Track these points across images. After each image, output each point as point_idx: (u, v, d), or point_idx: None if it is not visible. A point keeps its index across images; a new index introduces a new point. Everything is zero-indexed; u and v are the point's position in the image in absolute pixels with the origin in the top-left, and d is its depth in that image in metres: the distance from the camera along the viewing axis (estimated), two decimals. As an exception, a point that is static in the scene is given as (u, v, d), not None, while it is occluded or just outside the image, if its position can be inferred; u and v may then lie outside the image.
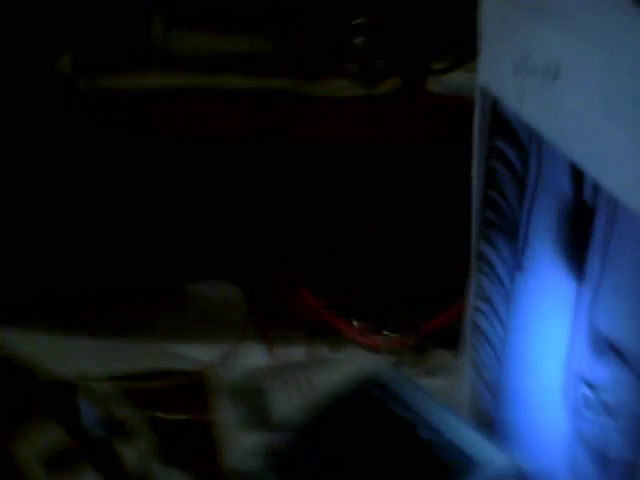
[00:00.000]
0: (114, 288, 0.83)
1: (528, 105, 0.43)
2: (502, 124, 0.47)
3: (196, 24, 0.64)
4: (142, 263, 0.83)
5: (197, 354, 0.77)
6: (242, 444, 0.62)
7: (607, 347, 0.40)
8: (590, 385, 0.42)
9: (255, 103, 0.64)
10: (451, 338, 0.73)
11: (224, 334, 0.80)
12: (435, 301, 0.77)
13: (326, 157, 0.72)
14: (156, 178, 0.79)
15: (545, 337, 0.46)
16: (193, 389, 0.72)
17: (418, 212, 0.78)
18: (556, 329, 0.45)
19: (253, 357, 0.79)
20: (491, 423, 0.54)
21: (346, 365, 0.70)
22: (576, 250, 0.41)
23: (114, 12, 0.63)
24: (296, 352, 0.80)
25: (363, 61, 0.63)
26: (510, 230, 0.48)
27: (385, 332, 0.74)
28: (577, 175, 0.40)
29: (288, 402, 0.67)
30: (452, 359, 0.70)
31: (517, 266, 0.48)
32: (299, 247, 0.82)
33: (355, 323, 0.79)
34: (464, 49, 0.64)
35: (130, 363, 0.75)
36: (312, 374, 0.71)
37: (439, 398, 0.63)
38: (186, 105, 0.63)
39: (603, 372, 0.40)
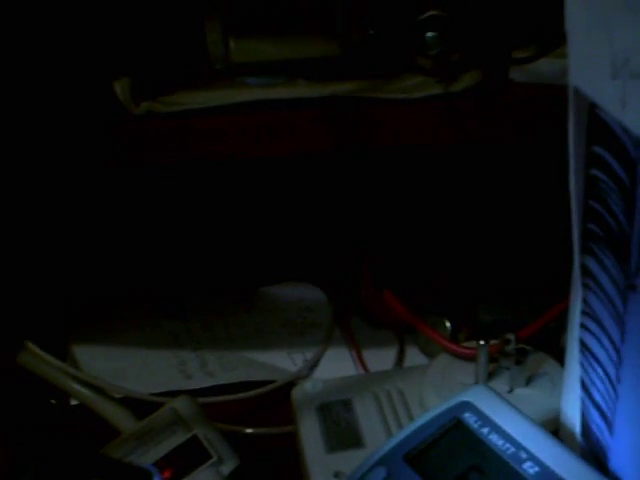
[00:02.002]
0: (193, 291, 0.81)
1: (633, 113, 0.38)
2: (602, 130, 0.42)
3: (255, 30, 0.60)
4: (220, 265, 0.82)
5: (281, 362, 0.75)
6: (327, 464, 0.59)
7: None
8: None
9: (326, 111, 0.59)
10: (552, 340, 0.69)
11: (309, 339, 0.78)
12: (532, 301, 0.73)
13: (406, 160, 0.69)
14: (236, 188, 0.77)
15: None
16: (277, 401, 0.70)
17: (508, 212, 0.73)
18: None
19: (340, 364, 0.76)
20: (604, 451, 0.49)
21: (440, 376, 0.66)
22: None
23: (166, 27, 0.59)
24: (386, 358, 0.77)
25: (437, 56, 0.58)
26: (618, 246, 0.43)
27: (479, 338, 0.70)
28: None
29: (377, 417, 0.63)
30: (554, 365, 0.66)
31: (630, 287, 0.43)
32: (385, 248, 0.79)
33: (448, 325, 0.75)
34: (549, 33, 0.58)
35: (213, 376, 0.73)
36: (403, 385, 0.67)
37: (543, 414, 0.59)
38: (254, 118, 0.59)
39: None
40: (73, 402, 0.68)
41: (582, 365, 0.50)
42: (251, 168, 0.75)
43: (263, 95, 0.59)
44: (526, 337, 0.67)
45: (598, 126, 0.42)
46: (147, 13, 0.58)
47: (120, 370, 0.71)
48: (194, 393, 0.67)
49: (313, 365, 0.75)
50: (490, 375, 0.65)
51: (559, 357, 0.62)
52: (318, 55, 0.59)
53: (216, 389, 0.72)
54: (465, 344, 0.69)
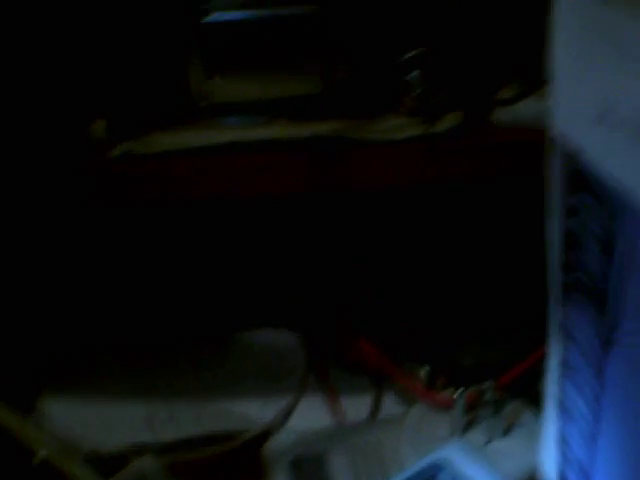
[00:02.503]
0: (164, 341, 0.79)
1: (617, 165, 0.37)
2: (583, 180, 0.41)
3: (238, 69, 0.59)
4: (193, 312, 0.80)
5: (254, 411, 0.72)
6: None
7: None
8: None
9: (307, 152, 0.58)
10: (531, 388, 0.67)
11: (284, 387, 0.76)
12: (513, 342, 0.71)
13: (385, 202, 0.67)
14: (211, 231, 0.75)
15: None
16: (249, 452, 0.67)
17: (488, 253, 0.72)
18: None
19: (316, 413, 0.74)
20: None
21: (416, 427, 0.64)
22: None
23: (146, 66, 0.58)
24: (363, 405, 0.75)
25: (420, 96, 0.57)
26: (597, 299, 0.42)
27: (456, 387, 0.68)
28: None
29: (351, 472, 0.61)
30: (532, 415, 0.64)
31: (608, 342, 0.41)
32: (361, 292, 0.77)
33: (425, 371, 0.74)
34: (531, 75, 0.58)
35: (183, 428, 0.70)
36: (378, 438, 0.65)
37: (521, 469, 0.57)
38: (234, 160, 0.58)
39: None
40: (38, 458, 0.66)
41: (560, 418, 0.49)
42: (226, 210, 0.73)
43: (244, 136, 0.58)
44: (504, 385, 0.65)
45: (579, 174, 0.41)
46: (126, 52, 0.57)
47: (88, 423, 0.69)
48: (162, 446, 0.64)
49: (287, 414, 0.73)
50: (467, 426, 0.63)
51: (539, 403, 0.60)
52: (300, 94, 0.58)
53: (186, 442, 0.69)
54: (442, 393, 0.67)
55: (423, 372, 0.73)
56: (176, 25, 0.57)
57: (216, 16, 0.58)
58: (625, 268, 0.38)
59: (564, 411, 0.48)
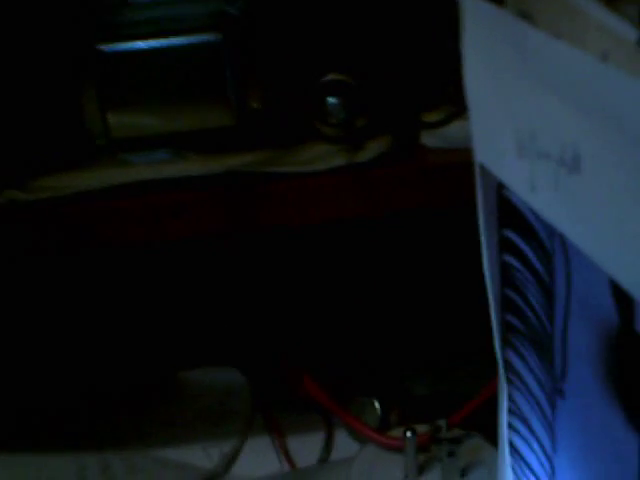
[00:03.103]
0: (97, 384, 0.74)
1: (542, 197, 0.32)
2: (513, 213, 0.36)
3: (137, 101, 0.54)
4: (129, 353, 0.75)
5: (195, 458, 0.68)
6: None
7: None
8: None
9: (221, 188, 0.53)
10: (489, 421, 0.63)
11: (227, 430, 0.71)
12: (465, 378, 0.68)
13: (321, 235, 0.63)
14: (138, 279, 0.71)
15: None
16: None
17: (436, 279, 0.68)
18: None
19: (262, 457, 0.70)
20: None
21: (368, 470, 0.60)
22: (635, 396, 0.30)
23: (33, 99, 0.53)
24: (313, 445, 0.71)
25: (341, 123, 0.53)
26: (542, 344, 0.37)
27: (410, 422, 0.63)
28: (620, 296, 0.29)
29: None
30: (491, 452, 0.60)
31: (557, 391, 0.37)
32: (306, 327, 0.73)
33: (377, 406, 0.69)
34: (460, 94, 0.53)
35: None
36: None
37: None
38: (139, 201, 0.53)
39: None
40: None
41: (514, 470, 0.44)
42: (154, 251, 0.68)
43: (149, 174, 0.53)
44: (458, 422, 0.61)
45: (508, 207, 0.37)
46: (8, 84, 0.51)
47: (14, 478, 0.64)
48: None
49: (231, 460, 0.68)
50: (422, 468, 0.59)
51: (497, 436, 0.56)
52: (210, 127, 0.53)
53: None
54: (395, 431, 0.63)
55: (375, 407, 0.69)
56: (67, 54, 0.52)
57: (113, 45, 0.53)
58: (569, 313, 0.34)
59: (517, 460, 0.44)
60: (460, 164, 0.52)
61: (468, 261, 0.58)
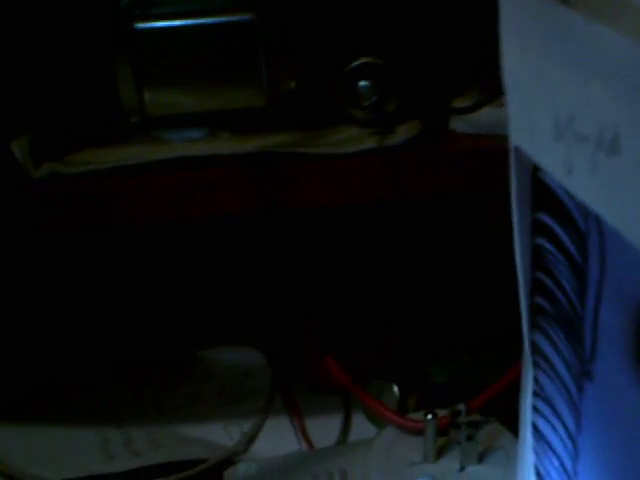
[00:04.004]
0: (118, 362, 0.75)
1: (579, 180, 0.33)
2: (548, 196, 0.37)
3: (172, 80, 0.54)
4: (151, 329, 0.75)
5: (216, 436, 0.69)
6: None
7: None
8: None
9: (252, 168, 0.54)
10: (508, 408, 0.64)
11: (247, 409, 0.72)
12: (488, 358, 0.68)
13: (346, 218, 0.64)
14: (162, 252, 0.72)
15: (627, 466, 0.36)
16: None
17: (459, 266, 0.68)
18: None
19: (281, 436, 0.70)
20: None
21: (386, 452, 0.61)
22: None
23: (71, 77, 0.54)
24: (331, 427, 0.71)
25: (372, 107, 0.53)
26: (571, 327, 0.38)
27: (429, 407, 0.64)
28: (657, 278, 0.29)
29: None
30: (509, 438, 0.60)
31: (585, 373, 0.37)
32: (328, 309, 0.74)
33: (395, 390, 0.70)
34: (490, 81, 0.54)
35: (139, 455, 0.66)
36: (347, 464, 0.62)
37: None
38: (174, 177, 0.53)
39: None
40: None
41: (536, 452, 0.45)
42: (182, 229, 0.69)
43: (183, 152, 0.53)
44: (478, 407, 0.62)
45: (543, 191, 0.37)
46: (48, 61, 0.52)
47: (37, 452, 0.65)
48: (118, 476, 0.60)
49: (251, 439, 0.69)
50: (440, 451, 0.60)
51: (516, 423, 0.57)
52: (242, 107, 0.54)
53: (144, 470, 0.65)
54: (413, 415, 0.64)
55: (394, 391, 0.70)
56: (104, 32, 0.53)
57: (150, 23, 0.54)
58: (601, 295, 0.34)
59: (539, 442, 0.45)
60: (489, 150, 0.53)
61: (491, 247, 0.59)
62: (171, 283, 0.75)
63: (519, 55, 0.35)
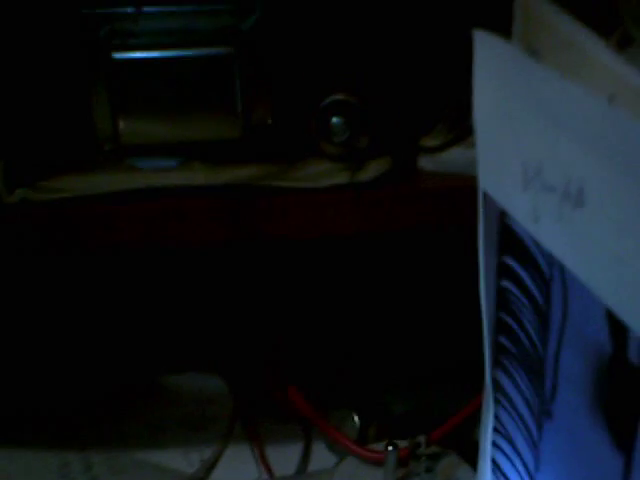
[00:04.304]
0: (81, 385, 0.74)
1: (545, 229, 0.34)
2: (514, 240, 0.38)
3: (147, 108, 0.55)
4: (113, 355, 0.75)
5: (176, 463, 0.69)
6: None
7: None
8: None
9: (224, 199, 0.55)
10: (467, 439, 0.65)
11: (208, 436, 0.72)
12: (446, 389, 0.69)
13: (312, 248, 0.65)
14: (130, 283, 0.72)
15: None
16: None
17: (419, 296, 0.70)
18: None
19: (241, 464, 0.70)
20: None
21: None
22: (623, 420, 0.32)
23: (47, 103, 0.54)
24: (291, 455, 0.72)
25: (344, 142, 0.54)
26: (533, 367, 0.39)
27: (390, 437, 0.65)
28: (615, 325, 0.31)
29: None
30: (468, 471, 0.61)
31: (544, 412, 0.39)
32: (290, 337, 0.75)
33: (356, 420, 0.71)
34: (460, 121, 0.55)
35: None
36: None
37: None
38: (144, 206, 0.54)
39: None
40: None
41: (495, 487, 0.46)
42: (149, 255, 0.69)
43: (155, 181, 0.54)
44: (438, 438, 0.63)
45: (509, 235, 0.38)
46: (23, 87, 0.52)
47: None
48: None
49: (211, 466, 0.69)
50: (400, 482, 0.60)
51: (475, 456, 0.58)
52: (216, 138, 0.55)
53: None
54: (374, 445, 0.64)
55: (354, 420, 0.70)
56: (81, 60, 0.54)
57: (127, 53, 0.55)
58: (562, 339, 0.36)
59: (498, 477, 0.46)
60: (456, 188, 0.54)
61: (453, 281, 0.60)
62: (136, 309, 0.75)
63: (490, 103, 0.37)
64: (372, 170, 0.55)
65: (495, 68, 0.35)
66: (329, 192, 0.55)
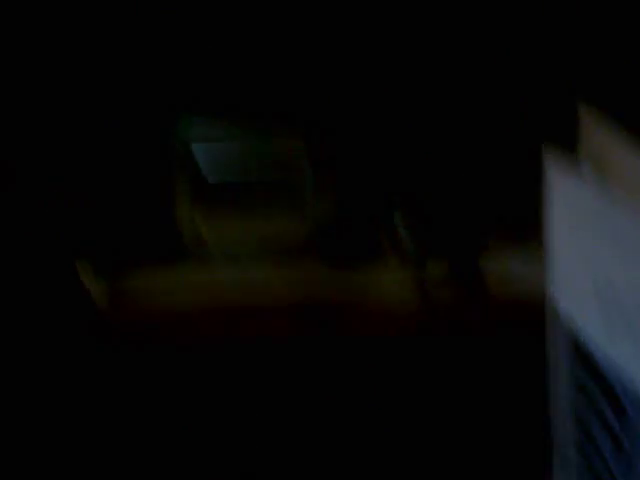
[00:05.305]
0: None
1: (619, 348, 0.34)
2: (588, 363, 0.38)
3: (226, 209, 0.58)
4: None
5: None
6: None
7: None
8: None
9: (297, 297, 0.57)
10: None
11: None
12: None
13: (378, 351, 0.66)
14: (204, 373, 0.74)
15: None
16: None
17: (479, 410, 0.70)
18: None
19: None
20: None
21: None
22: None
23: (133, 206, 0.57)
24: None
25: (409, 246, 0.56)
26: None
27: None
28: None
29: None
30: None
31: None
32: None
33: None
34: (523, 227, 0.56)
35: None
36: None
37: None
38: (227, 302, 0.56)
39: None
40: None
41: None
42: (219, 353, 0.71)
43: (234, 277, 0.56)
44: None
45: (584, 358, 0.39)
46: (110, 190, 0.55)
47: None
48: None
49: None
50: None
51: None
52: (287, 236, 0.57)
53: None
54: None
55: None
56: (166, 161, 0.57)
57: (205, 143, 0.58)
58: (635, 466, 0.36)
59: None
60: (520, 295, 0.55)
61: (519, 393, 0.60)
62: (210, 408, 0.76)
63: (563, 232, 0.38)
64: (434, 271, 0.56)
65: (568, 201, 0.36)
66: (398, 297, 0.56)
